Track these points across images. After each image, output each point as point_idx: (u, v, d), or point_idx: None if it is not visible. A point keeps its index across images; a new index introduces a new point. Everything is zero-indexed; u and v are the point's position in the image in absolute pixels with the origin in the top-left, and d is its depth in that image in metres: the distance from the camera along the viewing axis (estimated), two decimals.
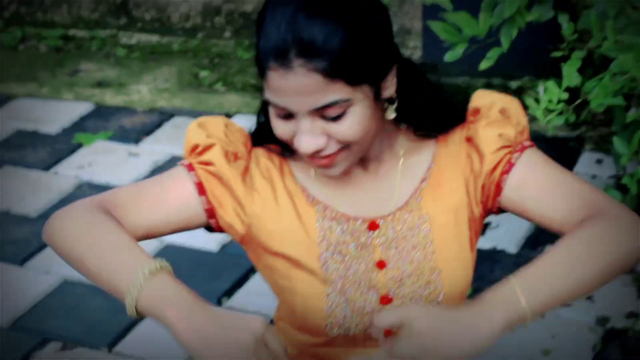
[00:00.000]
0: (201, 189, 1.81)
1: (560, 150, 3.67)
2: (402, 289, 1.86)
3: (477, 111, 1.87)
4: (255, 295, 3.11)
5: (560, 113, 2.18)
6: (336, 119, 1.68)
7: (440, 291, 1.86)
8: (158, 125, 4.14)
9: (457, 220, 1.87)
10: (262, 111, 1.86)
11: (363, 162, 1.85)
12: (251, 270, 3.22)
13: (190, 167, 1.81)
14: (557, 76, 3.98)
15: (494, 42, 2.64)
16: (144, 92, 4.39)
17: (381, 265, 1.86)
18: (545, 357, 2.83)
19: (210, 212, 1.83)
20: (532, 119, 2.18)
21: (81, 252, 1.71)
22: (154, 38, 4.81)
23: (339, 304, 1.85)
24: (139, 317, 1.65)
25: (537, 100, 2.15)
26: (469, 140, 1.87)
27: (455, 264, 1.87)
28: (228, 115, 4.16)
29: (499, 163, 1.83)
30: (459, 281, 1.87)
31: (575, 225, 1.73)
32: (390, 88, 1.75)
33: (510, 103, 1.87)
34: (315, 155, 1.73)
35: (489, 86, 4.15)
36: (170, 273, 1.65)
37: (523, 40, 2.71)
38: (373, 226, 1.85)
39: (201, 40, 4.75)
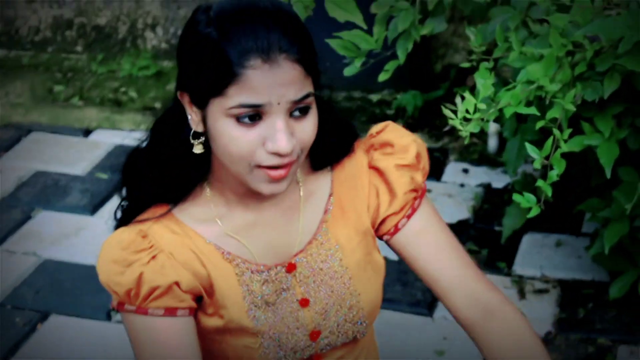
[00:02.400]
0: (171, 312, 1.84)
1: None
2: (327, 320, 1.93)
3: (388, 144, 1.95)
4: None
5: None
6: (302, 116, 1.75)
7: (362, 312, 1.94)
8: (17, 140, 4.10)
9: (366, 241, 1.95)
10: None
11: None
12: None
13: (142, 311, 1.82)
14: (414, 89, 4.17)
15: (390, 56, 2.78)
16: None
17: (304, 303, 1.92)
18: (439, 357, 2.97)
19: (191, 311, 1.87)
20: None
21: None
22: (1, 52, 4.75)
23: (272, 349, 1.91)
24: None
25: (454, 112, 2.27)
26: (376, 170, 1.95)
27: (371, 283, 1.96)
28: (88, 131, 4.16)
29: (405, 205, 1.94)
30: (376, 297, 1.97)
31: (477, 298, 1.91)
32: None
33: (423, 147, 1.98)
34: (278, 162, 1.75)
35: (350, 99, 4.28)
36: None
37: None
38: (291, 268, 1.91)
39: (52, 54, 4.72)
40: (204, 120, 1.79)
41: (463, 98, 2.30)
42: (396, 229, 1.95)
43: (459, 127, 2.27)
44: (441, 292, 1.95)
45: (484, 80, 2.30)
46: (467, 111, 2.30)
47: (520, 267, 3.31)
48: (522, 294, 3.19)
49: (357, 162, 1.96)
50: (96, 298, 3.17)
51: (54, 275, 3.28)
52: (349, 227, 1.94)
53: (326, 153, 1.94)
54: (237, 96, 1.73)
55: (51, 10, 4.69)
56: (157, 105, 4.33)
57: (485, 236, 3.46)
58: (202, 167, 1.86)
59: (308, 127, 1.78)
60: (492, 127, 3.95)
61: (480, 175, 3.80)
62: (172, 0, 4.58)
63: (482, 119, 2.31)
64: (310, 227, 1.93)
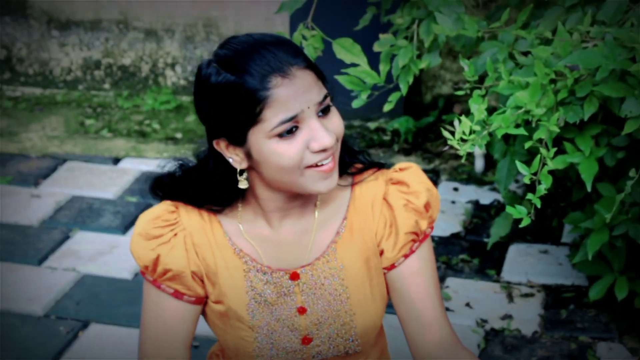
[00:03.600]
0: (178, 295, 1.93)
1: None
2: (320, 331, 1.95)
3: (404, 184, 1.97)
4: None
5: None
6: (326, 114, 1.82)
7: (354, 331, 1.96)
8: (53, 169, 4.13)
9: (369, 267, 1.96)
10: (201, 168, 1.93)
11: (288, 214, 1.93)
12: None
13: (156, 284, 1.93)
14: (409, 115, 4.21)
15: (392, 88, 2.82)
16: (34, 139, 4.36)
17: (302, 310, 1.95)
18: None
19: (197, 300, 1.95)
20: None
21: None
22: (37, 91, 4.78)
23: (266, 346, 1.94)
24: None
25: (452, 133, 2.31)
26: (387, 203, 1.96)
27: (367, 306, 1.97)
28: (117, 159, 4.19)
29: (404, 245, 1.95)
30: (371, 320, 1.98)
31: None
32: None
33: (435, 198, 1.99)
34: (324, 156, 1.81)
35: (350, 127, 4.32)
36: None
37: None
38: (294, 276, 1.94)
39: (82, 92, 4.76)
40: (247, 154, 1.83)
41: (460, 122, 2.34)
42: (392, 266, 1.97)
43: (457, 146, 2.31)
44: (416, 326, 1.95)
45: (477, 106, 2.34)
46: (463, 133, 2.34)
47: (508, 274, 3.34)
48: (510, 298, 3.22)
49: (375, 190, 1.97)
50: (131, 308, 3.19)
51: (92, 289, 3.30)
52: (355, 251, 1.96)
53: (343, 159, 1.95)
54: (273, 117, 1.78)
55: (81, 52, 4.72)
56: (179, 135, 4.35)
57: (475, 247, 3.49)
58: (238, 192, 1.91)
59: (335, 121, 1.84)
60: (479, 150, 3.99)
61: (469, 193, 3.84)
62: (189, 42, 4.61)
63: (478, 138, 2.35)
64: (321, 245, 1.96)
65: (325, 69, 1.91)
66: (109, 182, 4.00)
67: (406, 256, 1.96)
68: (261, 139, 1.79)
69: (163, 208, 1.94)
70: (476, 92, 2.45)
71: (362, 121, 4.37)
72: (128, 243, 3.53)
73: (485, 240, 3.51)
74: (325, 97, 1.82)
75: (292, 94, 1.77)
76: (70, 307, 3.21)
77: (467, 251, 3.46)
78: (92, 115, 4.56)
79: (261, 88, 1.77)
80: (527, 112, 2.38)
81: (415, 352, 1.97)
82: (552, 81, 2.39)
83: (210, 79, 1.81)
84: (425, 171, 3.98)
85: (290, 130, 1.78)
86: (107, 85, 4.75)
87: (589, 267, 2.97)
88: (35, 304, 3.22)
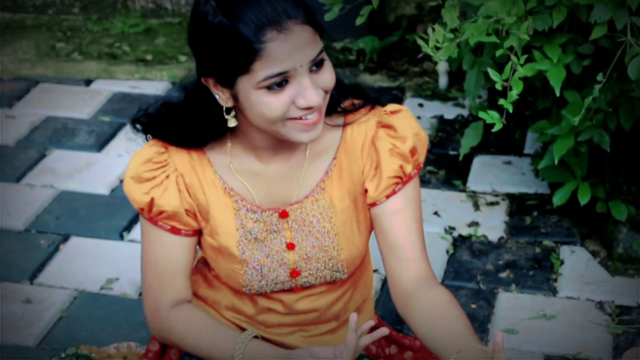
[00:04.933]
0: (175, 230, 1.93)
1: (386, 98, 3.86)
2: (309, 265, 1.96)
3: (391, 127, 1.93)
4: None
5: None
6: (319, 68, 1.75)
7: (340, 263, 1.96)
8: (26, 91, 4.06)
9: (356, 205, 1.95)
10: (186, 108, 1.88)
11: (278, 150, 1.89)
12: None
13: (153, 222, 1.92)
14: (373, 35, 4.18)
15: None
16: (6, 62, 4.28)
17: (291, 246, 1.94)
18: None
19: (194, 232, 1.95)
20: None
21: (193, 351, 1.95)
22: (7, 15, 4.68)
23: (254, 278, 1.95)
24: None
25: (426, 41, 2.29)
26: (374, 146, 1.93)
27: (354, 240, 1.96)
28: (89, 81, 4.13)
29: (387, 188, 1.92)
30: (357, 251, 1.98)
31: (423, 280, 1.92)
32: None
33: (422, 142, 1.96)
34: (310, 111, 1.76)
35: None
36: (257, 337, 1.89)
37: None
38: (284, 214, 1.93)
39: (52, 16, 4.67)
40: (234, 96, 1.79)
41: (434, 30, 2.32)
42: (374, 204, 1.95)
43: (432, 53, 2.29)
44: (395, 261, 1.94)
45: (450, 14, 2.32)
46: (436, 41, 2.32)
47: (474, 184, 3.35)
48: (476, 207, 3.23)
49: (365, 131, 1.93)
50: (109, 222, 3.17)
51: (71, 204, 3.27)
52: (344, 190, 1.94)
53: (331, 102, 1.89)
54: (262, 70, 1.72)
55: None
56: (149, 57, 4.29)
57: (441, 159, 3.49)
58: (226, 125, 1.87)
59: (327, 76, 1.78)
60: (442, 67, 3.98)
61: (433, 108, 3.83)
62: None
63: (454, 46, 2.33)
64: (310, 183, 1.94)
65: None
66: (81, 103, 3.95)
67: (388, 196, 1.94)
68: (249, 88, 1.74)
69: (153, 150, 1.91)
70: (448, 2, 2.42)
71: (328, 41, 4.31)
72: (104, 160, 3.52)
73: (451, 152, 3.52)
74: (320, 52, 1.76)
75: (286, 50, 1.70)
76: (50, 222, 3.18)
77: (434, 163, 3.47)
78: (63, 39, 4.48)
79: (255, 40, 1.70)
80: (497, 21, 2.36)
81: (393, 286, 1.97)
82: None
83: (206, 17, 1.74)
84: (390, 89, 3.98)
85: (279, 83, 1.74)
86: (76, 10, 4.66)
87: (553, 174, 2.99)
88: (15, 219, 3.19)
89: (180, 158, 1.91)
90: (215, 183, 1.91)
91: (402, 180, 1.93)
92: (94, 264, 2.98)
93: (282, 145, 1.89)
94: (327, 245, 1.94)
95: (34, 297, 2.83)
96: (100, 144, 3.63)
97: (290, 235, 1.94)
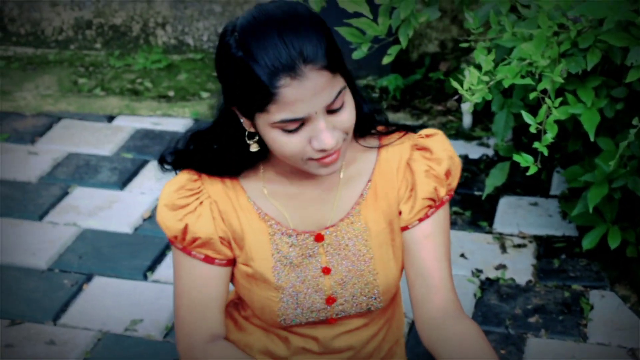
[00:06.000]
0: (209, 260, 1.89)
1: None
2: (344, 290, 1.92)
3: (427, 150, 1.91)
4: None
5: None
6: (339, 110, 1.71)
7: (377, 289, 1.93)
8: (49, 127, 4.05)
9: (392, 229, 1.92)
10: (218, 140, 1.85)
11: (310, 174, 1.85)
12: (166, 248, 3.22)
13: (187, 251, 1.88)
14: (396, 73, 4.16)
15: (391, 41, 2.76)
16: (29, 98, 4.27)
17: (326, 271, 1.91)
18: None
19: (228, 262, 1.91)
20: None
21: None
22: (29, 50, 4.69)
23: (290, 305, 1.91)
24: None
25: (461, 83, 2.27)
26: (410, 167, 1.90)
27: (389, 265, 1.93)
28: (111, 117, 4.12)
29: (420, 210, 1.90)
30: (393, 278, 1.94)
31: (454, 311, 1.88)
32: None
33: (456, 166, 1.93)
34: (326, 154, 1.74)
35: None
36: None
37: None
38: (319, 238, 1.90)
39: (74, 51, 4.67)
40: (254, 127, 1.77)
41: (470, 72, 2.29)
42: (406, 227, 1.92)
43: (467, 95, 2.26)
44: (423, 288, 1.91)
45: (485, 57, 2.29)
46: (471, 83, 2.29)
47: (500, 225, 3.31)
48: (503, 249, 3.19)
49: (400, 154, 1.91)
50: (132, 262, 3.14)
51: (94, 243, 3.25)
52: (379, 212, 1.91)
53: (363, 125, 1.90)
54: (278, 113, 1.69)
55: (72, 12, 4.63)
56: (171, 93, 4.28)
57: (467, 200, 3.46)
58: (258, 153, 1.84)
59: (346, 117, 1.73)
60: (467, 106, 3.95)
61: (458, 148, 3.80)
62: (180, 1, 4.53)
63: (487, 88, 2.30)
64: (345, 207, 1.91)
65: (328, 19, 1.83)
66: (104, 140, 3.93)
67: (421, 220, 1.91)
68: (266, 125, 1.72)
69: (186, 177, 1.88)
70: (480, 44, 2.40)
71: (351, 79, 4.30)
72: (126, 198, 3.49)
73: (477, 193, 3.48)
74: (337, 95, 1.70)
75: (300, 97, 1.66)
76: (73, 261, 3.15)
77: (460, 204, 3.43)
78: (85, 75, 4.48)
79: (269, 85, 1.66)
80: (531, 63, 2.34)
81: (419, 315, 1.93)
82: (555, 34, 2.35)
83: (230, 49, 1.71)
84: (414, 127, 3.95)
85: (294, 125, 1.72)
86: (98, 45, 4.66)
87: (582, 218, 2.94)
88: (39, 258, 3.16)
89: (213, 185, 1.89)
90: (249, 209, 1.88)
91: (435, 204, 1.91)
92: (118, 304, 2.95)
93: None
94: (362, 269, 1.91)
95: (57, 339, 2.80)
96: (123, 182, 3.61)
97: (326, 259, 1.91)
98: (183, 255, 1.89)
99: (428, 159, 1.91)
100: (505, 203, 3.42)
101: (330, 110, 1.71)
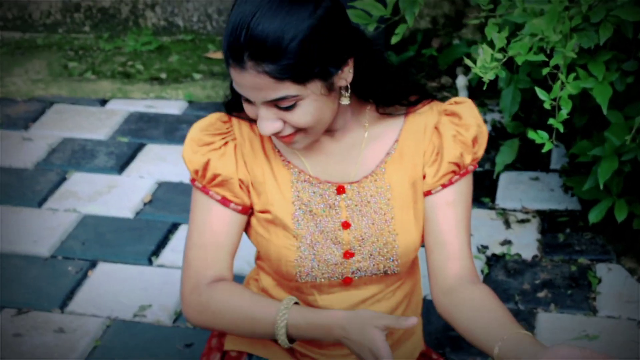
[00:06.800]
0: (225, 202, 1.89)
1: None
2: (363, 247, 1.91)
3: (457, 115, 1.91)
4: (179, 252, 3.08)
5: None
6: (289, 108, 1.71)
7: (395, 250, 1.92)
8: (42, 112, 4.00)
9: (415, 190, 1.92)
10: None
11: (329, 131, 1.88)
12: (169, 232, 3.19)
13: (205, 191, 1.89)
14: (389, 50, 4.13)
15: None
16: (19, 83, 4.21)
17: (346, 225, 1.90)
18: None
19: (243, 209, 1.91)
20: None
21: (231, 327, 1.87)
22: (16, 35, 4.62)
23: (308, 256, 1.90)
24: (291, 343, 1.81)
25: (474, 61, 2.24)
26: (438, 131, 1.91)
27: (410, 228, 1.92)
28: (104, 101, 4.08)
29: (444, 175, 1.90)
30: (413, 243, 1.93)
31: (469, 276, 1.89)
32: (344, 79, 1.75)
33: (483, 135, 1.93)
34: (274, 135, 1.77)
35: None
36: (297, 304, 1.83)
37: None
38: (341, 190, 1.90)
39: (63, 35, 4.60)
40: None
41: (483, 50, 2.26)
42: (429, 192, 1.92)
43: (481, 74, 2.24)
44: (440, 256, 1.91)
45: (498, 34, 2.26)
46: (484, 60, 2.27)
47: (502, 201, 3.31)
48: (507, 225, 3.19)
49: (428, 119, 1.91)
50: (136, 247, 3.11)
51: (95, 229, 3.21)
52: (404, 173, 1.91)
53: (386, 102, 1.89)
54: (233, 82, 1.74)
55: None
56: (163, 75, 4.23)
57: None
58: None
59: (297, 117, 1.73)
60: (462, 81, 3.93)
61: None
62: None
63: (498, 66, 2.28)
64: (370, 164, 1.91)
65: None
66: (98, 124, 3.89)
67: (444, 186, 1.91)
68: None
69: (216, 117, 1.92)
70: (491, 21, 2.37)
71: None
72: (125, 182, 3.45)
73: (476, 170, 3.46)
74: (281, 99, 1.69)
75: (240, 82, 1.70)
76: (76, 247, 3.12)
77: None
78: (75, 58, 4.42)
79: (224, 55, 1.71)
80: (542, 39, 2.32)
81: (434, 283, 1.93)
82: (565, 8, 2.33)
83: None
84: None
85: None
86: (87, 28, 4.60)
87: (589, 192, 2.94)
88: (41, 245, 3.12)
89: (241, 129, 1.91)
90: (274, 156, 1.90)
91: (460, 171, 1.91)
92: (125, 290, 2.92)
93: (334, 126, 1.86)
94: (382, 228, 1.90)
95: (66, 327, 2.77)
96: (121, 166, 3.57)
97: (346, 214, 1.90)
98: (201, 195, 1.90)
99: (456, 125, 1.91)
100: (505, 178, 3.41)
101: (279, 106, 1.71)
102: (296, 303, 1.84)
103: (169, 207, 3.31)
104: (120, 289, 2.93)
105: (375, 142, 1.90)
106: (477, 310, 1.82)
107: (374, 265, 1.92)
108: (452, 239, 1.91)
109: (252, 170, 1.89)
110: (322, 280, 1.93)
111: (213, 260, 1.89)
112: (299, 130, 1.76)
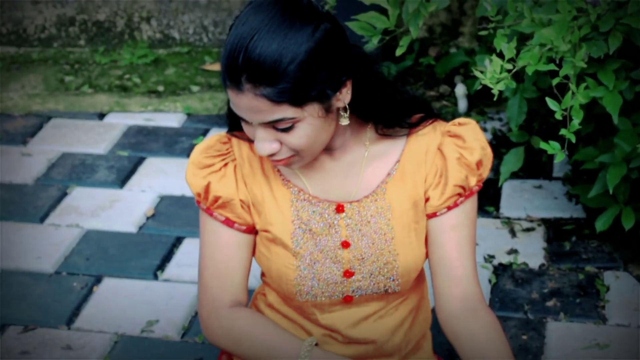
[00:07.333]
0: (229, 223, 1.91)
1: None
2: (363, 267, 1.91)
3: (461, 138, 1.89)
4: (185, 266, 3.07)
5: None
6: (286, 130, 1.71)
7: (395, 270, 1.91)
8: (39, 127, 3.98)
9: (416, 211, 1.91)
10: None
11: (329, 150, 1.87)
12: (174, 245, 3.18)
13: (209, 212, 1.90)
14: (387, 60, 4.13)
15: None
16: (16, 98, 4.19)
17: (345, 245, 1.90)
18: None
19: (247, 229, 1.92)
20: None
21: (250, 356, 1.88)
22: (11, 50, 4.60)
23: (307, 275, 1.90)
24: None
25: (482, 72, 2.24)
26: (441, 153, 1.89)
27: (411, 248, 1.91)
28: (102, 114, 4.06)
29: (450, 197, 1.89)
30: (413, 262, 1.92)
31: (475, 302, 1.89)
32: (342, 100, 1.74)
33: (488, 157, 1.92)
34: (270, 157, 1.77)
35: None
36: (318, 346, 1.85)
37: None
38: (340, 209, 1.89)
39: (58, 49, 4.58)
40: None
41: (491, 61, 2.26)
42: (434, 214, 1.91)
43: (491, 85, 2.23)
44: (444, 279, 1.90)
45: (506, 45, 2.26)
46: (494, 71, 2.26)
47: (507, 209, 3.30)
48: (513, 233, 3.18)
49: (431, 140, 1.90)
50: (141, 262, 3.10)
51: (99, 244, 3.19)
52: (404, 193, 1.90)
53: (386, 120, 1.87)
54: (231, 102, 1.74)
55: (55, 9, 4.55)
56: (160, 88, 4.22)
57: None
58: None
59: (294, 139, 1.73)
60: (461, 90, 3.94)
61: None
62: None
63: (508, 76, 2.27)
64: (370, 184, 1.90)
65: (339, 14, 1.79)
66: (97, 138, 3.87)
67: (449, 208, 1.90)
68: None
69: (216, 139, 1.92)
70: (500, 32, 2.37)
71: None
72: (127, 196, 3.43)
73: None
74: (278, 120, 1.70)
75: (237, 103, 1.70)
76: (80, 263, 3.10)
77: None
78: (71, 72, 4.40)
79: (222, 75, 1.70)
80: (551, 49, 2.32)
81: (439, 305, 1.93)
82: (574, 18, 2.33)
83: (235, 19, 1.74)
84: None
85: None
86: (82, 42, 4.58)
87: (595, 200, 2.94)
88: (45, 261, 3.10)
89: (241, 149, 1.91)
90: (273, 175, 1.90)
91: (465, 193, 1.90)
92: (131, 305, 2.90)
93: (334, 145, 1.86)
94: (382, 248, 1.90)
95: (73, 343, 2.74)
96: (122, 180, 3.56)
97: (346, 233, 1.89)
98: (206, 217, 1.91)
99: (460, 147, 1.90)
100: (509, 187, 3.41)
101: (277, 128, 1.71)
102: (316, 344, 1.87)
103: (173, 220, 3.29)
104: (126, 305, 2.91)
105: (376, 161, 1.89)
106: (475, 344, 1.85)
107: (374, 284, 1.92)
108: (457, 263, 1.90)
109: (251, 190, 1.89)
110: (323, 299, 1.93)
111: (228, 285, 1.91)
112: (294, 154, 1.76)
